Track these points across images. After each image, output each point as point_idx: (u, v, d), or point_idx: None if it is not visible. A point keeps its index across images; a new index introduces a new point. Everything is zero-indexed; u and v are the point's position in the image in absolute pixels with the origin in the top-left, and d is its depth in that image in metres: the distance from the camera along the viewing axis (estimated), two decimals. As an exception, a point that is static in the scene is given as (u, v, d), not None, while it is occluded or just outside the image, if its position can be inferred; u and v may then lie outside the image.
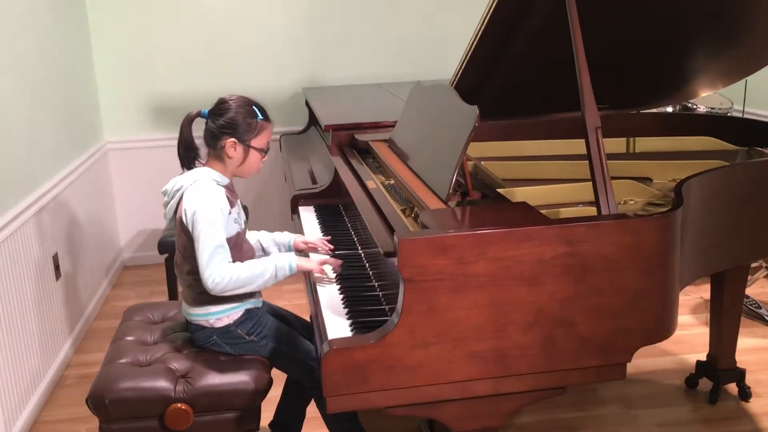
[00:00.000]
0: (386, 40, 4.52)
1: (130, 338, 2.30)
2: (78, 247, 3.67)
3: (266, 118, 2.16)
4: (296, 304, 3.28)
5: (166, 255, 3.42)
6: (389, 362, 1.64)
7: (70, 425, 2.86)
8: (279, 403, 2.52)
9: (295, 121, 4.49)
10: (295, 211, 2.90)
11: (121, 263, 4.56)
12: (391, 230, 1.83)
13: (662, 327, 1.77)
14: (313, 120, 4.39)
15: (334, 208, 2.84)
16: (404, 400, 1.68)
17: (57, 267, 3.31)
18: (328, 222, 2.69)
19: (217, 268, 2.00)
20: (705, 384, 2.95)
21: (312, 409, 2.37)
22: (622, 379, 1.77)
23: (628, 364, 3.19)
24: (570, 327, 1.70)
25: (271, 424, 2.51)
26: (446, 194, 1.88)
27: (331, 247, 2.31)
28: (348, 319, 1.89)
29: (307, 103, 4.36)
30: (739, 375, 2.89)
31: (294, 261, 2.10)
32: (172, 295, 3.46)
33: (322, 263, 2.16)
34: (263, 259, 2.11)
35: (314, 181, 3.14)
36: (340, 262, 2.18)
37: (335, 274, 2.18)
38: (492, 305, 1.65)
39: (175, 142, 2.18)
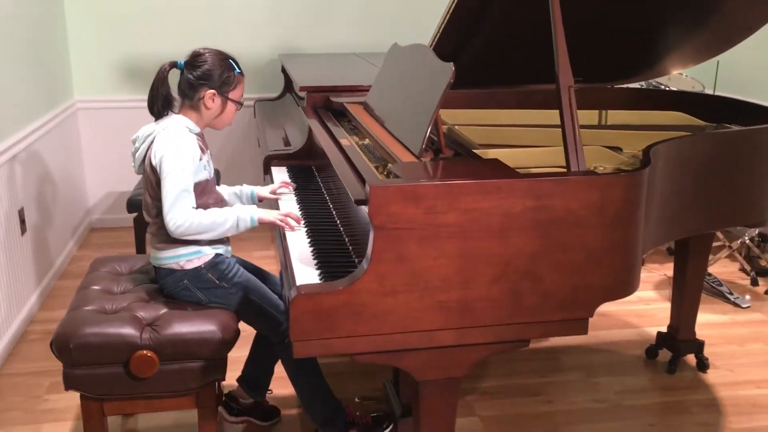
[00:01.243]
0: (365, 9, 4.50)
1: (96, 287, 2.28)
2: (45, 205, 3.62)
3: (241, 71, 2.21)
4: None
5: (135, 214, 3.40)
6: (357, 309, 1.65)
7: (33, 378, 2.84)
8: (247, 359, 2.53)
9: (270, 87, 4.46)
10: (267, 171, 2.89)
11: (89, 224, 4.51)
12: (363, 181, 1.83)
13: (624, 284, 1.81)
14: (288, 87, 4.37)
15: (308, 170, 2.84)
16: (371, 347, 1.70)
17: (23, 221, 3.27)
18: (301, 181, 2.69)
19: (180, 211, 2.03)
20: (664, 355, 3.03)
21: (283, 372, 2.38)
22: (584, 334, 1.81)
23: (591, 335, 3.27)
24: (535, 281, 1.73)
25: (238, 380, 2.52)
26: (419, 149, 1.90)
27: (293, 185, 2.38)
28: (317, 269, 1.90)
29: (283, 70, 4.33)
30: (698, 346, 2.97)
31: (255, 213, 2.14)
32: (141, 253, 3.44)
33: (284, 215, 2.18)
34: (226, 209, 2.15)
35: (288, 145, 3.14)
36: (298, 216, 2.20)
37: (305, 227, 2.19)
38: (460, 256, 1.67)
39: (145, 104, 2.18)
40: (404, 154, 1.96)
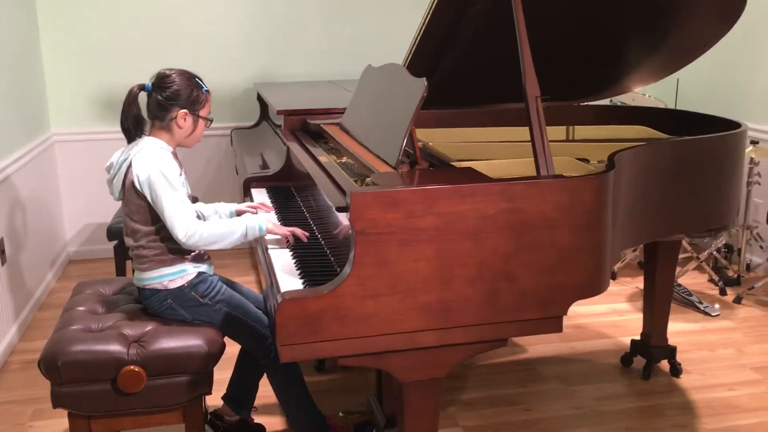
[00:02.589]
0: (339, 37, 4.62)
1: (81, 308, 2.31)
2: (23, 238, 3.63)
3: (207, 89, 2.27)
4: (247, 289, 3.32)
5: (115, 242, 3.42)
6: (341, 312, 1.71)
7: (17, 406, 2.83)
8: (232, 376, 2.56)
9: (246, 116, 4.54)
10: (247, 193, 2.95)
11: (67, 257, 4.51)
12: (343, 191, 1.91)
13: (595, 282, 1.89)
14: (264, 114, 4.45)
15: (287, 191, 2.91)
16: (355, 350, 1.75)
17: (2, 251, 3.28)
18: (281, 202, 2.75)
19: (186, 221, 2.08)
20: (639, 363, 3.11)
21: (268, 390, 2.42)
22: (559, 332, 1.89)
23: (568, 346, 3.34)
24: (511, 281, 1.80)
25: (224, 397, 2.54)
26: (396, 160, 1.98)
27: (272, 207, 2.46)
28: (301, 278, 1.96)
29: (258, 98, 4.42)
30: (670, 352, 3.06)
31: (264, 223, 2.19)
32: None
33: (291, 231, 2.23)
34: (235, 219, 2.22)
35: (267, 168, 3.20)
36: (304, 232, 2.25)
37: (289, 246, 2.24)
38: (438, 258, 1.74)
39: (122, 135, 2.23)
40: (382, 166, 2.04)
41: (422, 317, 1.76)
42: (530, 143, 1.94)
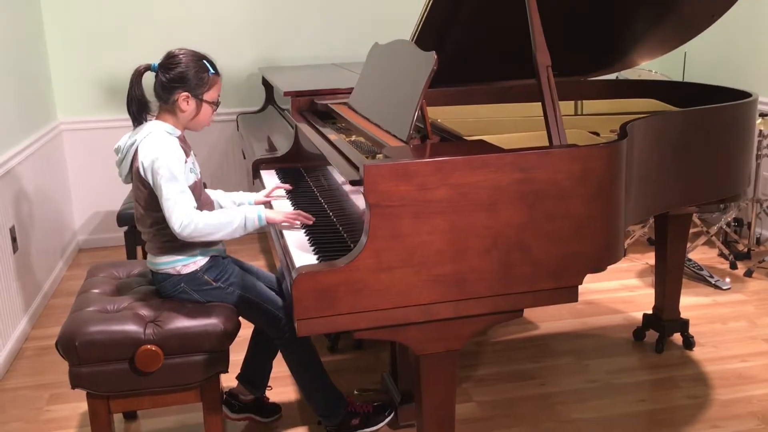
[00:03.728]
0: (342, 19, 4.59)
1: (96, 291, 2.32)
2: (32, 227, 3.64)
3: (216, 71, 2.21)
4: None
5: (126, 228, 3.43)
6: (356, 285, 1.72)
7: (33, 391, 2.85)
8: (246, 356, 2.57)
9: (252, 101, 4.53)
10: (257, 175, 2.95)
11: (77, 245, 4.52)
12: (355, 167, 1.91)
13: (609, 252, 1.89)
14: (270, 99, 4.45)
15: (296, 171, 2.90)
16: (371, 323, 1.76)
17: (14, 239, 3.29)
18: (290, 182, 2.74)
19: (184, 212, 2.04)
20: (651, 337, 3.11)
21: (283, 369, 2.43)
22: (574, 301, 1.89)
23: (580, 321, 3.35)
24: (525, 251, 1.80)
25: (238, 377, 2.56)
26: (407, 134, 1.97)
27: (289, 186, 2.40)
28: (315, 254, 1.96)
29: (264, 82, 4.41)
30: (682, 325, 3.06)
31: (263, 212, 2.16)
32: (133, 265, 3.47)
33: (291, 215, 2.22)
34: (233, 209, 2.17)
35: (274, 150, 3.20)
36: (309, 216, 2.22)
37: (301, 226, 2.23)
38: (452, 230, 1.75)
39: (129, 123, 2.20)
40: (393, 141, 2.04)
41: (437, 289, 1.77)
42: (539, 119, 1.94)
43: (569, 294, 1.87)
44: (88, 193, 4.48)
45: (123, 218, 3.41)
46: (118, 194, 4.03)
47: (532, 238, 1.80)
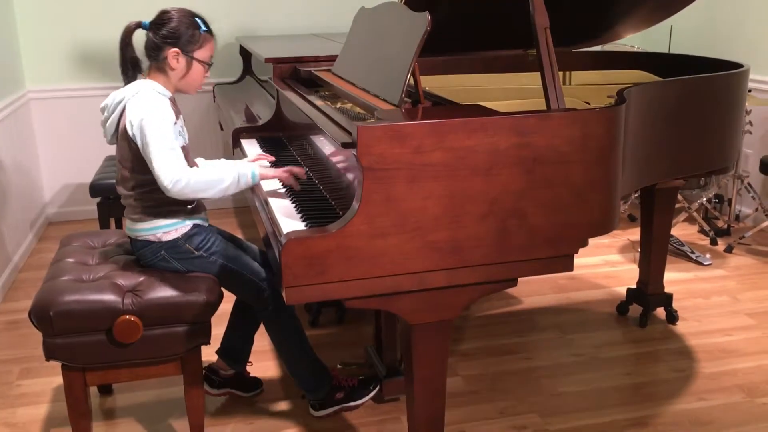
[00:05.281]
0: (321, -10, 4.49)
1: (70, 260, 2.22)
2: (0, 198, 3.51)
3: (209, 30, 2.14)
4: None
5: (99, 199, 3.32)
6: (348, 252, 1.65)
7: (4, 366, 2.75)
8: (226, 330, 2.49)
9: (229, 72, 4.40)
10: (236, 144, 2.86)
11: (46, 218, 4.38)
12: (346, 130, 1.83)
13: (606, 220, 1.85)
14: (248, 69, 4.34)
15: (278, 141, 2.82)
16: (362, 291, 1.69)
17: (-19, 210, 3.17)
18: (273, 152, 2.66)
19: (174, 168, 1.95)
20: (634, 311, 3.10)
21: (264, 344, 2.36)
22: (569, 271, 1.84)
23: (563, 296, 3.32)
24: (522, 218, 1.75)
25: (218, 352, 2.48)
26: (399, 98, 1.90)
27: (272, 158, 2.31)
28: (302, 220, 1.89)
29: (241, 52, 4.29)
30: (666, 299, 3.05)
31: (257, 169, 2.09)
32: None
33: (288, 169, 2.15)
34: (224, 166, 2.09)
35: (254, 120, 3.11)
36: (302, 169, 2.17)
37: (287, 193, 2.16)
38: (448, 196, 1.68)
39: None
40: (384, 106, 1.96)
41: (432, 257, 1.71)
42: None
43: (565, 263, 1.83)
44: (58, 165, 4.33)
45: (96, 189, 3.30)
46: (89, 166, 3.90)
47: (529, 205, 1.74)
